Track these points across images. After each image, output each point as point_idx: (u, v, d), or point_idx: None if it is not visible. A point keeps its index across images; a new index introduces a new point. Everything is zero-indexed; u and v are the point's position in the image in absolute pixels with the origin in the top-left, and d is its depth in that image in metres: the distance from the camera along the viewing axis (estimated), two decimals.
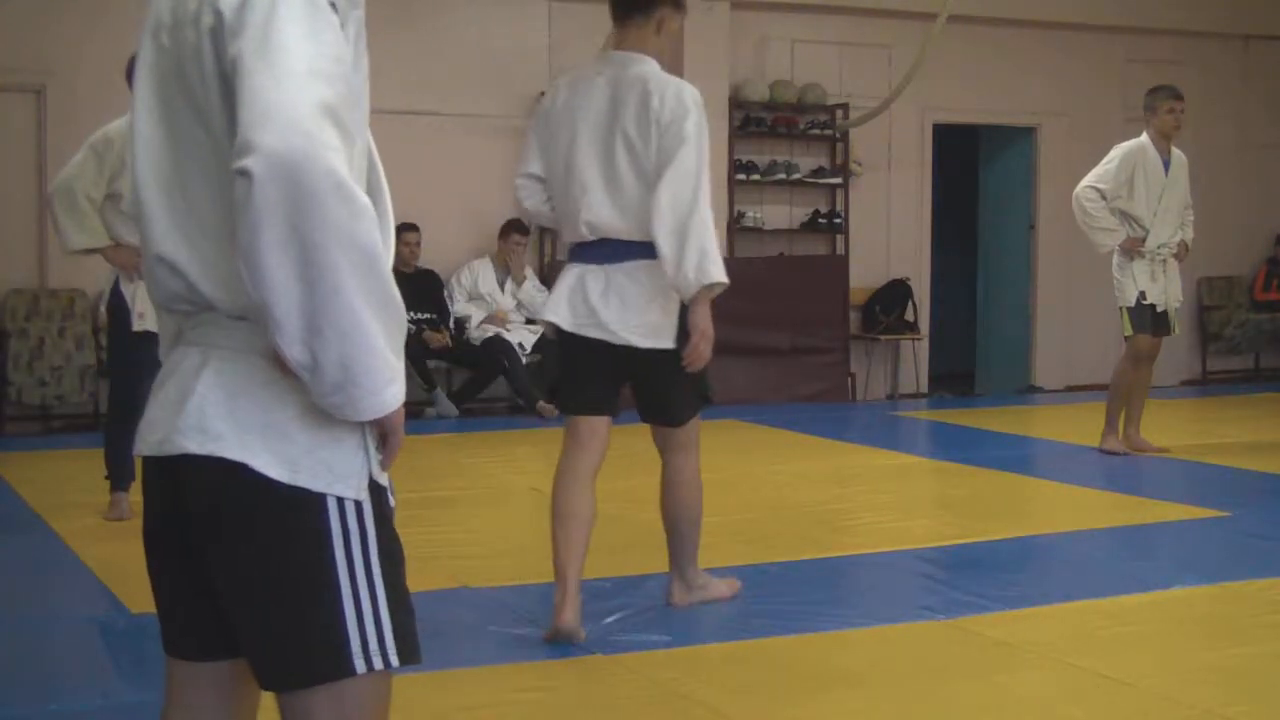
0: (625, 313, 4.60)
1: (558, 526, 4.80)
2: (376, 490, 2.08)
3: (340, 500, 2.03)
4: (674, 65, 11.31)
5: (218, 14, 1.98)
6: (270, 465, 2.00)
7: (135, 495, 6.30)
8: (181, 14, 2.04)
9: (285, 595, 2.02)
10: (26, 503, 6.90)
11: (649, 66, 4.75)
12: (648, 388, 4.79)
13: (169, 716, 2.24)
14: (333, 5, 2.00)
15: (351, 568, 2.04)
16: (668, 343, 4.63)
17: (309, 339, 1.92)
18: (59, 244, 6.34)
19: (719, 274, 4.49)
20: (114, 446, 6.34)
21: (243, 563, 2.04)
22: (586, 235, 4.67)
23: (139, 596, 4.94)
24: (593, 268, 4.65)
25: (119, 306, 6.25)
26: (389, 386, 1.99)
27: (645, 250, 4.54)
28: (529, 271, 10.67)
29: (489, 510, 7.00)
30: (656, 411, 4.85)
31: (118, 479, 6.37)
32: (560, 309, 4.68)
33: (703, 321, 4.55)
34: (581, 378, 4.78)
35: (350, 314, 1.92)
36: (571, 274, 4.71)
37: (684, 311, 4.58)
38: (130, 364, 6.13)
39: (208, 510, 2.05)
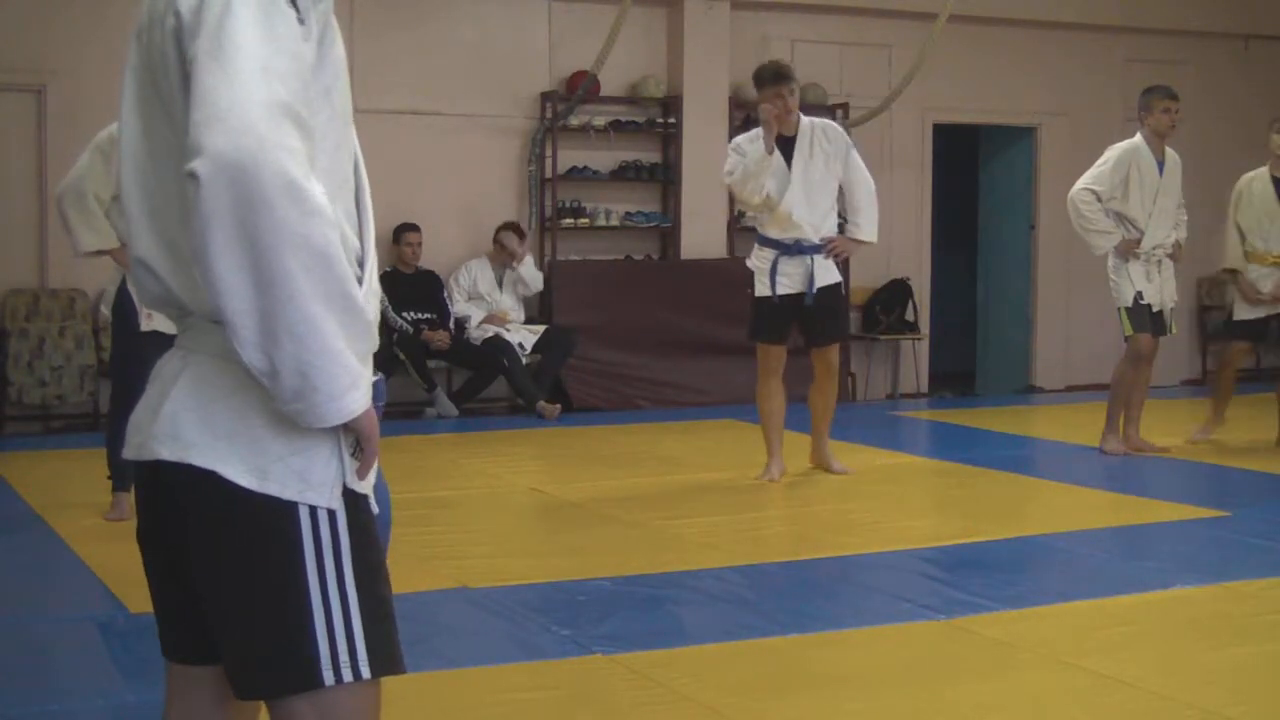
0: None
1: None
2: (353, 498, 2.05)
3: (313, 509, 2.01)
4: (674, 65, 11.42)
5: (177, 15, 1.96)
6: (240, 473, 1.98)
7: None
8: (154, 15, 2.03)
9: (255, 604, 2.00)
10: (26, 503, 6.89)
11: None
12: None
13: (169, 719, 2.23)
14: (292, 1, 1.97)
15: (323, 577, 2.01)
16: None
17: (266, 345, 1.88)
18: (70, 246, 6.30)
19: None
20: (116, 447, 6.32)
21: (215, 570, 2.02)
22: None
23: (139, 596, 4.92)
24: None
25: (126, 307, 6.24)
26: (350, 392, 1.95)
27: None
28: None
29: (489, 510, 7.00)
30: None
31: (119, 479, 6.37)
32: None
33: None
34: None
35: (305, 319, 1.88)
36: None
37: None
38: (135, 364, 6.10)
39: (183, 516, 2.04)
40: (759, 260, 7.39)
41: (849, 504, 6.99)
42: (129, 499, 6.36)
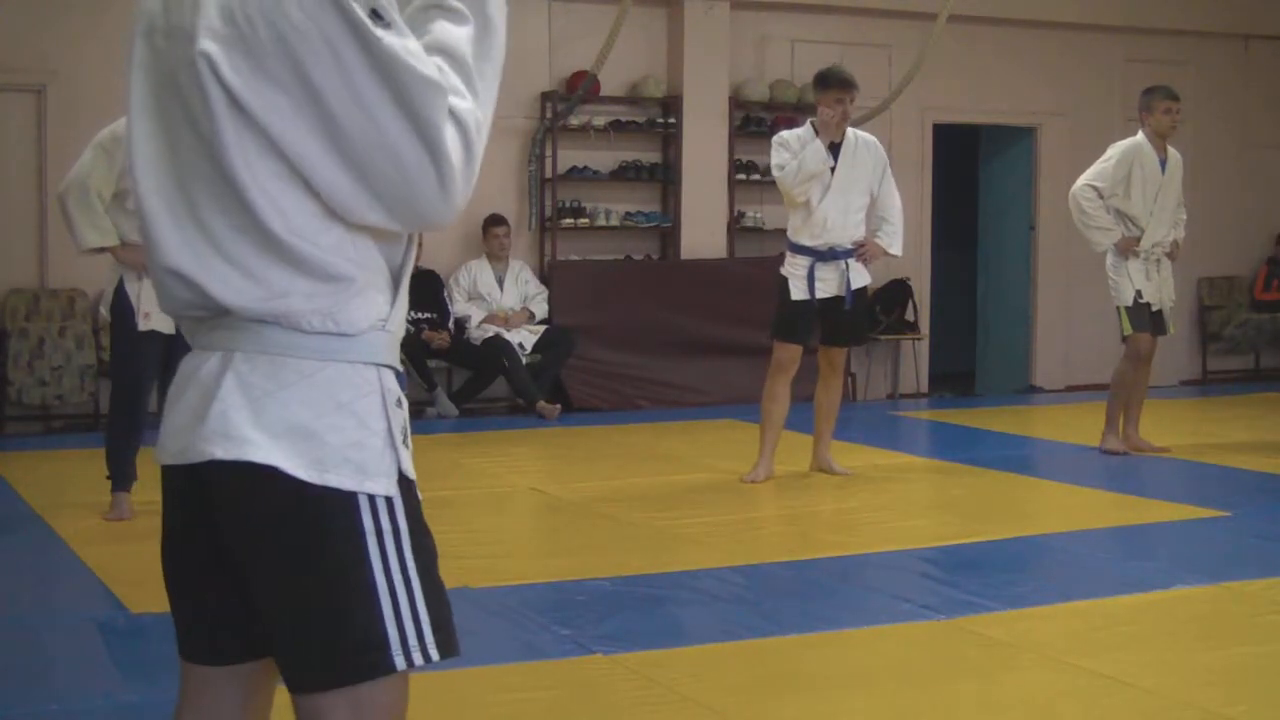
0: None
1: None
2: (406, 484, 2.07)
3: (371, 498, 2.02)
4: (674, 65, 11.41)
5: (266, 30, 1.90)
6: (300, 467, 1.99)
7: (136, 496, 6.30)
8: (176, 21, 1.99)
9: (322, 596, 2.01)
10: (26, 503, 6.89)
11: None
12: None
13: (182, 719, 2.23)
14: (378, 14, 1.94)
15: (386, 565, 2.03)
16: None
17: None
18: (73, 243, 6.31)
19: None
20: (115, 447, 6.33)
21: (278, 566, 2.02)
22: None
23: (139, 596, 4.94)
24: None
25: (123, 306, 6.24)
26: None
27: None
28: (516, 265, 10.66)
29: (489, 510, 7.00)
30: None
31: (119, 479, 6.36)
32: None
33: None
34: None
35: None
36: None
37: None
38: (133, 364, 6.12)
39: (239, 515, 2.03)
40: (793, 267, 7.49)
41: (849, 504, 6.99)
42: (129, 499, 6.36)
